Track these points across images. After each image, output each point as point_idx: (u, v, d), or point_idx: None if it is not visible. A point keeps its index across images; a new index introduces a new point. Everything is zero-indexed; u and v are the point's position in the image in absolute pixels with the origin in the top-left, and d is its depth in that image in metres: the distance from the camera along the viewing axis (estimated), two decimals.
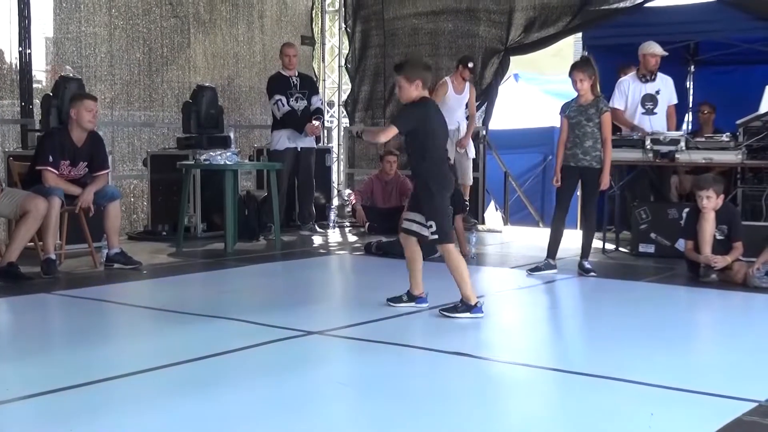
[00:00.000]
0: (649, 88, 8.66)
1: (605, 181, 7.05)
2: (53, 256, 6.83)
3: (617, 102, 8.67)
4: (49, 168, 6.99)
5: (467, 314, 5.26)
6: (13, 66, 9.21)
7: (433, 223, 5.38)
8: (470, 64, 9.86)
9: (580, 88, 6.99)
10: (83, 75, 9.14)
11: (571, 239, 7.35)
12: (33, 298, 6.01)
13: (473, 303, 5.28)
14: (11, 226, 6.96)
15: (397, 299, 5.67)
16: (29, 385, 3.87)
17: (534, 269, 7.05)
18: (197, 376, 4.10)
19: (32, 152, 7.69)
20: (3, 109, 9.06)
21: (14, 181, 7.40)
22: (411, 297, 5.65)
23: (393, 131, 5.46)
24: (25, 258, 6.68)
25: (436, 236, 5.41)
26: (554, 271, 7.01)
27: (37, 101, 9.09)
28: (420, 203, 5.53)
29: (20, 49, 9.07)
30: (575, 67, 7.15)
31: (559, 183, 7.10)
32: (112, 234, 7.30)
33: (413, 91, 5.41)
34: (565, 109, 7.15)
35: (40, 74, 9.96)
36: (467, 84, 9.88)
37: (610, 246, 8.51)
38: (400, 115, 5.76)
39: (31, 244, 6.85)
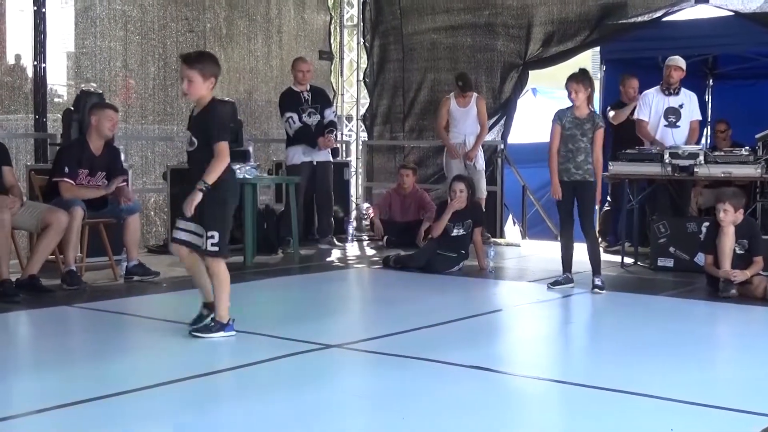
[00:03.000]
0: (673, 101, 8.63)
1: (599, 198, 7.11)
2: (74, 268, 6.86)
3: (642, 113, 8.68)
4: (65, 179, 7.05)
5: (221, 333, 5.02)
6: (29, 80, 9.32)
7: (215, 234, 4.95)
8: (459, 83, 9.93)
9: (575, 98, 6.91)
10: (101, 88, 9.22)
11: (582, 254, 7.29)
12: (54, 311, 6.04)
13: (225, 321, 5.05)
14: (32, 239, 7.01)
15: (206, 329, 5.10)
16: (47, 397, 3.90)
17: (554, 283, 7.02)
18: (216, 389, 4.13)
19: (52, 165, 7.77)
20: (16, 122, 9.15)
21: (36, 195, 7.46)
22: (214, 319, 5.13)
23: (226, 149, 5.04)
24: (45, 271, 6.71)
25: (216, 248, 4.97)
26: (572, 285, 6.99)
27: (50, 115, 9.20)
28: (204, 212, 4.98)
29: (35, 63, 9.17)
30: (572, 78, 7.03)
31: (560, 195, 7.02)
32: (131, 247, 7.36)
33: (205, 89, 5.04)
34: (561, 117, 7.03)
35: (61, 88, 10.05)
36: (473, 97, 9.88)
37: (628, 260, 8.49)
38: (221, 128, 5.11)
39: (52, 257, 6.91)
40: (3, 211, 6.39)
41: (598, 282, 6.93)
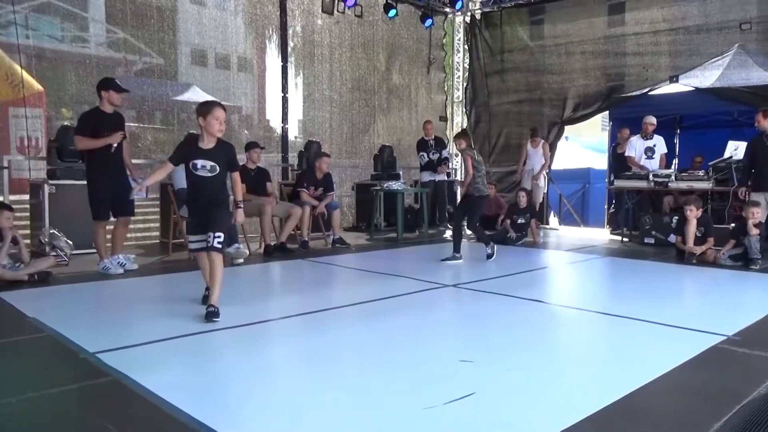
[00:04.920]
0: (648, 143, 8.26)
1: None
2: (306, 239, 7.07)
3: (630, 152, 8.34)
4: (304, 190, 7.30)
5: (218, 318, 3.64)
6: (278, 134, 9.67)
7: (221, 234, 3.73)
8: (531, 131, 9.76)
9: (458, 145, 6.34)
10: (318, 139, 9.48)
11: (596, 235, 7.01)
12: (294, 262, 6.23)
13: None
14: (282, 222, 7.28)
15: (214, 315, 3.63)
16: (291, 309, 4.02)
17: (445, 259, 6.24)
18: (379, 309, 4.15)
19: (293, 182, 8.04)
20: (271, 158, 9.45)
21: (284, 197, 7.71)
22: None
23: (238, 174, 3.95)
24: (289, 240, 6.94)
25: (220, 246, 3.73)
26: (460, 260, 6.23)
27: (290, 153, 9.55)
28: (216, 222, 3.74)
29: (282, 124, 9.54)
30: (457, 136, 6.41)
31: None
32: (335, 227, 7.52)
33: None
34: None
35: (295, 139, 10.39)
36: (540, 142, 9.67)
37: (626, 239, 8.11)
38: (235, 158, 3.90)
39: (293, 232, 7.16)
40: (266, 206, 6.66)
41: (489, 251, 6.34)
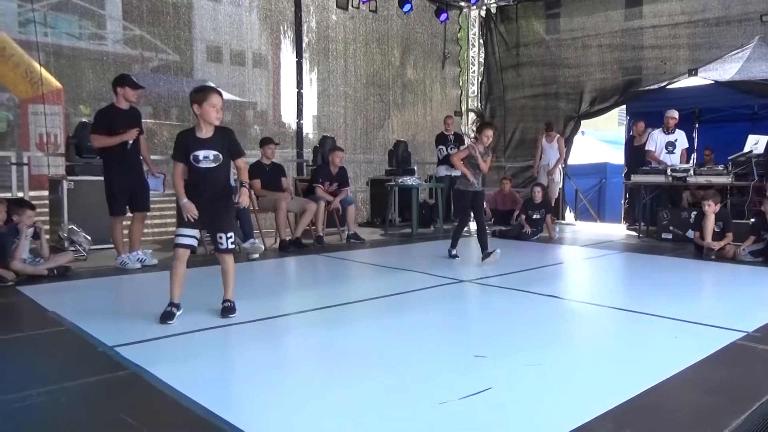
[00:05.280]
0: (670, 137, 8.16)
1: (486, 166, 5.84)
2: (321, 234, 7.07)
3: (650, 146, 8.28)
4: (319, 186, 7.30)
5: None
6: (293, 130, 9.68)
7: (232, 234, 3.56)
8: (545, 126, 9.69)
9: (489, 137, 5.84)
10: (332, 134, 9.49)
11: (613, 230, 6.92)
12: (309, 257, 6.23)
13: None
14: (297, 218, 7.29)
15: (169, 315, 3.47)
16: (306, 304, 4.03)
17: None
18: (394, 304, 4.14)
19: (307, 177, 8.05)
20: (286, 153, 9.47)
21: (299, 193, 7.73)
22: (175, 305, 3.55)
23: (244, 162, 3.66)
24: (304, 235, 6.93)
25: (234, 245, 3.58)
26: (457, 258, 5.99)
27: (305, 149, 9.57)
28: (225, 220, 3.53)
29: (297, 120, 9.55)
30: (489, 127, 5.88)
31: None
32: (350, 222, 7.53)
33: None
34: (475, 148, 5.92)
35: (310, 135, 10.41)
36: (555, 137, 9.60)
37: (642, 235, 8.02)
38: (237, 143, 3.62)
39: (308, 227, 7.16)
40: (281, 202, 6.68)
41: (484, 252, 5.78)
